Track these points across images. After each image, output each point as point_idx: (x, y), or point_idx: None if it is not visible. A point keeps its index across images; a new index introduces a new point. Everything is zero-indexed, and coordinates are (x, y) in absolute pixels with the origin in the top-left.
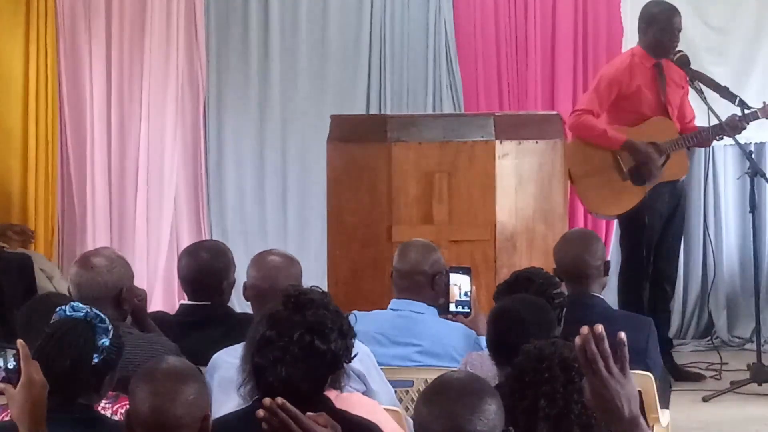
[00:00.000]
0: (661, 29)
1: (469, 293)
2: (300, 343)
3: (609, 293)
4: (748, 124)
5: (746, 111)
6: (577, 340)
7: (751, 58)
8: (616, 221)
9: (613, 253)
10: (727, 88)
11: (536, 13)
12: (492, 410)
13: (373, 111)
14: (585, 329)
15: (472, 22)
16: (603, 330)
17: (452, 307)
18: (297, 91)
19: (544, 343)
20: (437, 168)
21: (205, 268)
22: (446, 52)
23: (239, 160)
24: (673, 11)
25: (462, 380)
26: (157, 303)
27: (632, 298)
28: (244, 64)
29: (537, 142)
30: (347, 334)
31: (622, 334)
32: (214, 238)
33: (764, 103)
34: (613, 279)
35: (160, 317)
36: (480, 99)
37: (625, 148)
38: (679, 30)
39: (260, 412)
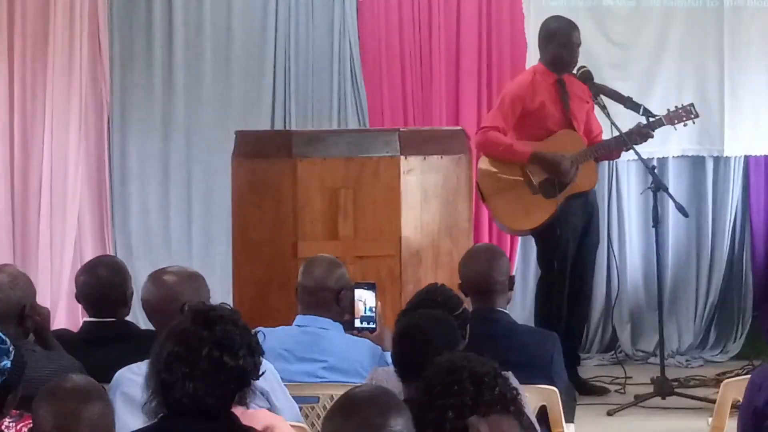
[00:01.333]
0: (560, 45)
1: (374, 309)
2: (208, 359)
3: (525, 308)
4: (653, 131)
5: (651, 119)
6: None
7: (653, 73)
8: (521, 238)
9: (517, 269)
10: (631, 99)
11: (440, 30)
12: (399, 425)
13: (278, 127)
14: None
15: (377, 38)
16: None
17: (358, 323)
18: (202, 106)
19: (456, 356)
20: (342, 184)
21: (106, 284)
22: (351, 68)
23: (144, 176)
24: (572, 27)
25: (369, 395)
26: (60, 320)
27: (550, 314)
28: (148, 79)
29: (442, 158)
30: (255, 351)
31: None
32: (118, 255)
33: (668, 110)
34: (524, 294)
35: (63, 335)
36: (385, 115)
37: (532, 160)
38: (579, 45)
39: None
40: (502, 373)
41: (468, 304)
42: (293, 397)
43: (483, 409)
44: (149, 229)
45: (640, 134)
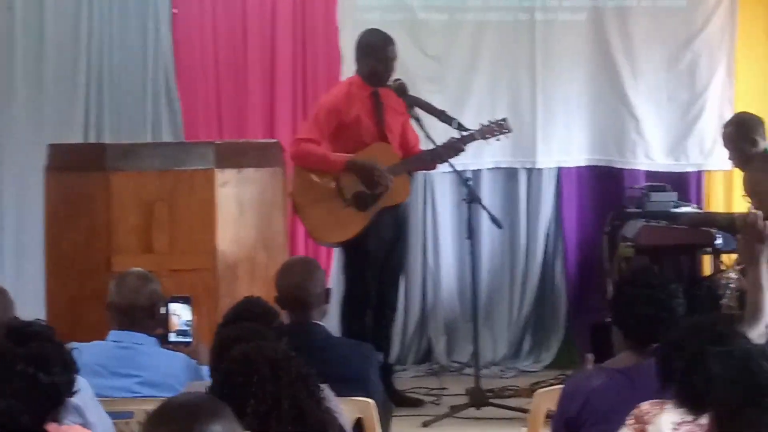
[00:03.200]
0: (376, 59)
1: (189, 322)
2: (22, 376)
3: (331, 320)
4: (465, 145)
5: (464, 133)
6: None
7: (467, 86)
8: (336, 250)
9: (333, 281)
10: (445, 112)
11: (255, 42)
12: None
13: (92, 140)
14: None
15: (191, 51)
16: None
17: (173, 337)
18: (13, 120)
19: (246, 347)
20: (157, 197)
21: None
22: (165, 81)
23: None
24: (388, 40)
25: (187, 401)
26: None
27: (355, 325)
28: None
29: (257, 170)
30: (70, 367)
31: None
32: None
33: (481, 124)
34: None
35: None
36: (200, 128)
37: (348, 168)
38: (394, 59)
39: None
40: (319, 384)
41: (285, 317)
42: (107, 413)
43: (285, 392)
44: None
45: (452, 148)
